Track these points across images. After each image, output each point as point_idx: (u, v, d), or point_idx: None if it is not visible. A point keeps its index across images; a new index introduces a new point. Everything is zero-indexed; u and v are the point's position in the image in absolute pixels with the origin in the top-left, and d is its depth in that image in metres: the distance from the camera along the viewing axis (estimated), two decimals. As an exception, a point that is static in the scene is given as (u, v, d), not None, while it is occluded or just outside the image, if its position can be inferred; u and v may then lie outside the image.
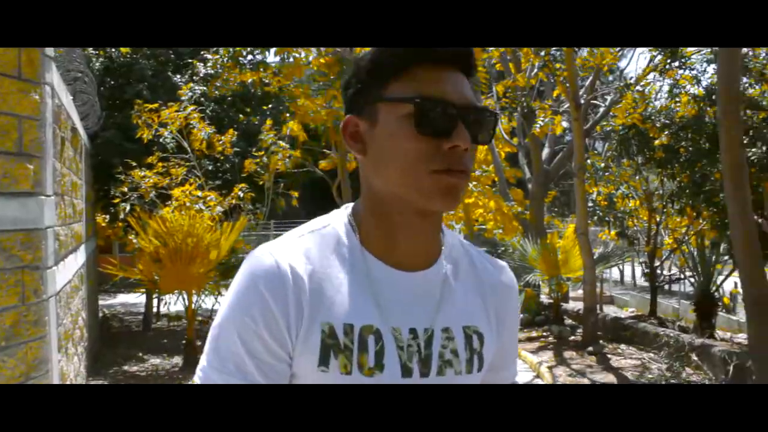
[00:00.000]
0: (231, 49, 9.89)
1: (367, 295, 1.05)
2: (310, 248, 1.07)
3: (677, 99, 10.51)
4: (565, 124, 12.82)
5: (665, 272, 14.13)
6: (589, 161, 11.72)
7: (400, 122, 1.01)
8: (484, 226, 14.25)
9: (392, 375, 1.03)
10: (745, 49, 10.28)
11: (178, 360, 9.23)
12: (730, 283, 12.28)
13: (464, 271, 1.17)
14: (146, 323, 11.89)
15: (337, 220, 1.12)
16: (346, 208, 1.14)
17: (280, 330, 1.00)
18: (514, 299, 1.23)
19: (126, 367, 8.94)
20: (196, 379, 1.04)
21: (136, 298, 13.25)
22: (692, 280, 11.73)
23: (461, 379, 1.09)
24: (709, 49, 10.62)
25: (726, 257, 10.94)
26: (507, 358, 1.25)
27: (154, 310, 12.40)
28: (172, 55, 16.14)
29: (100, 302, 13.02)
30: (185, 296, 8.92)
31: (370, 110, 1.06)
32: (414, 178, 1.01)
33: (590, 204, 11.58)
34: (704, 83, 10.74)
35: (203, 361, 1.04)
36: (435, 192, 1.01)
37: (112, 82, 15.17)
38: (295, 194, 13.67)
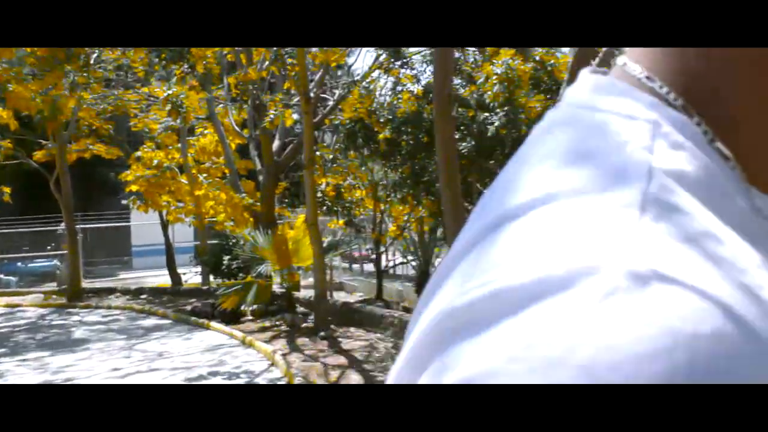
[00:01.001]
0: None
1: None
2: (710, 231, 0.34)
3: (399, 96, 11.23)
4: (295, 116, 13.10)
5: (390, 257, 15.11)
6: (318, 153, 12.12)
7: None
8: (215, 219, 14.11)
9: None
10: (457, 54, 11.29)
11: None
12: (445, 266, 13.47)
13: None
14: None
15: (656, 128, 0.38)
16: (637, 80, 0.41)
17: None
18: None
19: None
20: None
21: None
22: (414, 263, 12.69)
23: None
24: (428, 51, 11.49)
25: (442, 241, 11.97)
26: None
27: None
28: None
29: None
30: None
31: None
32: None
33: (319, 194, 11.97)
34: (423, 82, 11.61)
35: None
36: None
37: None
38: (7, 190, 12.43)
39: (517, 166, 0.40)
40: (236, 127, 13.77)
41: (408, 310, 11.40)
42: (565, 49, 13.60)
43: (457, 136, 9.48)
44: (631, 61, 0.42)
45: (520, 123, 9.11)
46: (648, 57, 0.42)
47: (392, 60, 11.39)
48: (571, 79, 6.59)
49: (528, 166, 0.38)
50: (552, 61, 10.27)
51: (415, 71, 11.62)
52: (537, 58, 10.24)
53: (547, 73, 10.14)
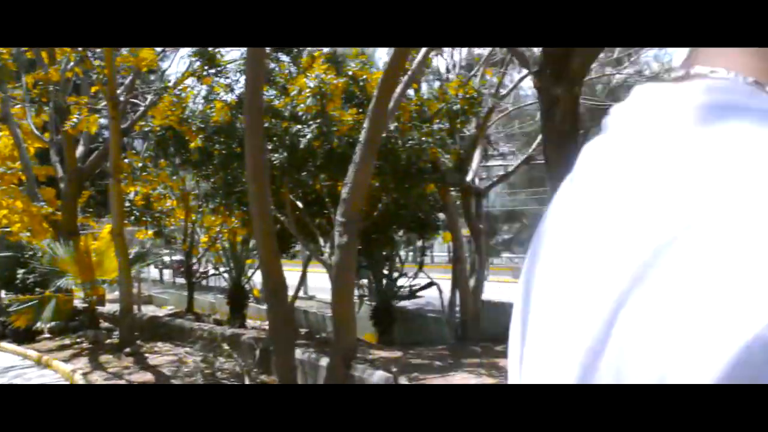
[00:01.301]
0: None
1: None
2: None
3: (212, 105, 11.02)
4: (103, 121, 12.45)
5: (202, 269, 14.76)
6: (126, 160, 11.61)
7: None
8: (8, 229, 13.07)
9: None
10: (272, 65, 11.28)
11: None
12: (259, 276, 13.40)
13: None
14: None
15: None
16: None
17: None
18: None
19: None
20: None
21: None
22: (226, 275, 12.49)
23: None
24: (242, 60, 11.37)
25: (255, 252, 11.89)
26: None
27: None
28: None
29: None
30: None
31: None
32: None
33: (128, 204, 11.48)
34: (237, 92, 11.47)
35: None
36: None
37: None
38: None
39: (687, 164, 0.37)
40: (36, 131, 12.85)
41: (219, 322, 11.20)
42: (380, 64, 14.03)
43: (269, 147, 9.46)
44: (714, 66, 0.42)
45: (332, 136, 9.25)
46: (730, 60, 0.42)
47: (206, 68, 11.16)
48: (381, 93, 6.81)
49: (712, 163, 0.36)
50: (364, 76, 10.53)
51: (229, 80, 11.46)
52: (350, 72, 10.46)
53: (360, 88, 10.38)
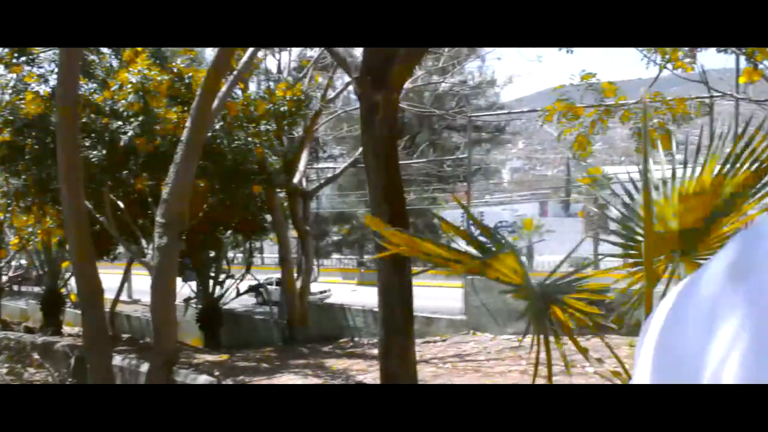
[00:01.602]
0: None
1: None
2: None
3: (23, 96, 10.32)
4: None
5: (11, 273, 13.73)
6: None
7: None
8: None
9: None
10: (92, 56, 10.72)
11: None
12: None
13: None
14: None
15: None
16: None
17: None
18: None
19: None
20: None
21: None
22: (41, 279, 11.72)
23: None
24: (57, 50, 10.74)
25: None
26: None
27: None
28: None
29: None
30: None
31: None
32: None
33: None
34: (52, 83, 10.81)
35: None
36: None
37: None
38: None
39: None
40: None
41: (31, 330, 10.50)
42: (207, 62, 13.73)
43: (87, 144, 9.02)
44: None
45: (156, 134, 8.97)
46: None
47: (16, 56, 10.42)
48: (205, 92, 6.66)
49: None
50: (191, 74, 10.27)
51: (42, 70, 10.78)
52: (176, 69, 10.17)
53: (186, 86, 10.12)
